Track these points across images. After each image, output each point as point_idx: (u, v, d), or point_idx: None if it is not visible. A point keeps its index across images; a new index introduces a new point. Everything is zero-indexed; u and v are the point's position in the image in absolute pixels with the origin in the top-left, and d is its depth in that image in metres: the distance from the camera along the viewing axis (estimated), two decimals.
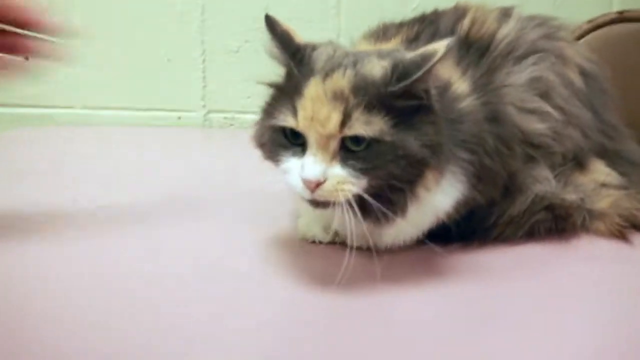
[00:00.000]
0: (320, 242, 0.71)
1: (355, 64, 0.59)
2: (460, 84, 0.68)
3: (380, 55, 0.61)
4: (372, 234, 0.66)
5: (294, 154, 0.59)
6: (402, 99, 0.57)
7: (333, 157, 0.57)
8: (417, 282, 0.63)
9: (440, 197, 0.64)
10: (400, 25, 0.80)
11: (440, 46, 0.56)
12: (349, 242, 0.68)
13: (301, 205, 0.70)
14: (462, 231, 0.69)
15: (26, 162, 1.05)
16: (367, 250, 0.68)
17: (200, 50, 1.27)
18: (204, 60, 1.28)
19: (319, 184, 0.56)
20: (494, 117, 0.67)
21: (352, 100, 0.56)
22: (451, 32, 0.75)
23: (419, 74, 0.56)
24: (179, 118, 1.31)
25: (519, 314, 0.58)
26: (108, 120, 1.30)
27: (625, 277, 0.67)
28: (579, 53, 0.80)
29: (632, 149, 0.84)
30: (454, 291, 0.61)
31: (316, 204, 0.59)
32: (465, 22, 0.75)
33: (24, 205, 0.81)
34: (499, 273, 0.66)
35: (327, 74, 0.58)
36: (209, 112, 1.30)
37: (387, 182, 0.57)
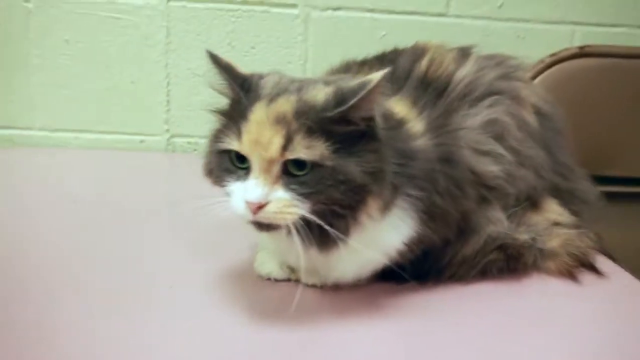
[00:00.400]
0: (276, 279, 0.73)
1: (299, 90, 0.61)
2: (416, 124, 0.70)
3: (327, 82, 0.63)
4: (324, 268, 0.67)
5: (239, 178, 0.61)
6: (341, 124, 0.59)
7: (276, 181, 0.59)
8: (364, 319, 0.65)
9: (390, 232, 0.66)
10: (362, 64, 0.83)
11: (376, 76, 0.58)
12: (302, 277, 0.70)
13: (258, 238, 0.72)
14: (416, 271, 0.72)
15: None
16: (321, 288, 0.70)
17: (164, 74, 1.27)
18: (168, 84, 1.27)
19: (261, 206, 0.58)
20: (447, 159, 0.69)
21: (294, 125, 0.58)
22: (408, 71, 0.77)
23: (354, 100, 0.58)
24: (142, 142, 1.30)
25: (462, 348, 0.61)
26: (68, 142, 1.29)
27: (570, 313, 0.70)
28: (534, 93, 0.83)
29: (585, 188, 0.87)
30: (399, 327, 0.64)
31: (260, 226, 0.61)
32: (424, 62, 0.78)
33: None
34: (448, 310, 0.69)
35: (272, 99, 0.60)
36: (172, 136, 1.30)
37: (329, 206, 0.59)
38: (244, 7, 1.25)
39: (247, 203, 0.58)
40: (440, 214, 0.68)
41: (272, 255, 0.73)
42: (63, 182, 1.09)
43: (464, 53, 0.82)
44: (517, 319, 0.68)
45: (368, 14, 1.26)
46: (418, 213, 0.66)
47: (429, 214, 0.67)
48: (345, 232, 0.61)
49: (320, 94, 0.60)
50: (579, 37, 1.30)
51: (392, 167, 0.62)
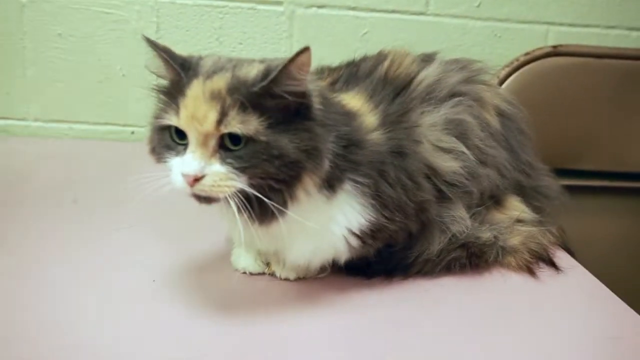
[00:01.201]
0: (251, 273, 0.75)
1: (235, 67, 0.62)
2: (369, 117, 0.71)
3: (262, 61, 0.64)
4: (279, 249, 0.70)
5: (178, 153, 0.61)
6: (272, 99, 0.60)
7: (212, 155, 0.59)
8: (334, 309, 0.68)
9: (338, 215, 0.68)
10: (333, 70, 0.84)
11: (296, 52, 0.59)
12: (276, 271, 0.73)
13: (235, 234, 0.74)
14: (384, 267, 0.74)
15: None
16: (294, 281, 0.73)
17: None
18: (158, 77, 1.28)
19: (197, 179, 0.59)
20: (399, 152, 0.71)
21: (229, 100, 0.59)
22: (369, 72, 0.79)
23: (274, 74, 0.58)
24: (133, 133, 1.32)
25: (425, 336, 0.64)
26: (62, 133, 1.30)
27: (525, 307, 0.73)
28: (497, 95, 0.85)
29: (548, 185, 0.89)
30: (367, 318, 0.67)
31: (199, 198, 0.62)
32: (385, 64, 0.79)
33: None
34: (414, 302, 0.71)
35: (208, 76, 0.61)
36: None
37: (266, 181, 0.60)
38: (232, 4, 1.26)
39: (184, 176, 0.59)
40: (393, 204, 0.69)
41: (247, 250, 0.76)
42: (56, 171, 1.10)
43: (427, 58, 0.84)
44: (477, 311, 0.70)
45: (351, 12, 1.27)
46: (367, 200, 0.68)
47: (380, 203, 0.68)
48: (283, 205, 0.61)
49: (253, 71, 0.61)
50: (553, 37, 1.31)
51: (335, 150, 0.64)
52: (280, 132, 0.60)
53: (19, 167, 1.11)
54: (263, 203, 0.60)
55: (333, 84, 0.78)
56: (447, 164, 0.75)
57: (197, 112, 0.59)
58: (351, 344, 0.62)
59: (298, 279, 0.74)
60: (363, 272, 0.74)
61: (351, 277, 0.74)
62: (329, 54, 1.30)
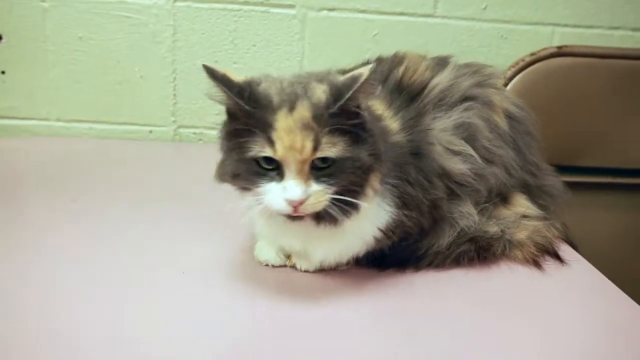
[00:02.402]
0: (273, 266, 0.79)
1: (306, 92, 0.67)
2: (391, 122, 0.77)
3: (318, 79, 0.69)
4: (312, 249, 0.75)
5: (272, 179, 0.66)
6: (344, 117, 0.65)
7: (309, 177, 0.65)
8: (351, 299, 0.72)
9: (373, 216, 0.73)
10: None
11: (365, 69, 0.65)
12: (296, 264, 0.77)
13: (260, 230, 0.78)
14: (397, 259, 0.78)
15: (7, 169, 1.10)
16: (313, 273, 0.77)
17: (171, 69, 1.32)
18: (174, 79, 1.33)
19: (302, 202, 0.64)
20: (417, 153, 0.77)
21: (317, 128, 0.64)
22: (386, 77, 0.83)
23: (350, 93, 0.64)
24: (151, 132, 1.36)
25: (437, 326, 0.68)
26: (83, 132, 1.35)
27: (532, 297, 0.77)
28: (506, 99, 0.89)
29: (553, 184, 0.93)
30: (382, 307, 0.72)
31: (293, 217, 0.68)
32: (400, 70, 0.84)
33: None
34: (425, 293, 0.75)
35: (291, 107, 0.65)
36: (179, 127, 1.36)
37: (348, 187, 0.67)
38: (246, 7, 1.30)
39: (289, 201, 0.65)
40: (411, 201, 0.75)
41: (269, 244, 0.80)
42: (78, 169, 1.15)
43: (441, 62, 0.88)
44: (485, 302, 0.74)
45: (360, 15, 1.31)
46: (394, 200, 0.74)
47: (402, 201, 0.74)
48: (358, 204, 0.68)
49: (322, 94, 0.66)
50: (558, 38, 1.35)
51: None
52: (357, 144, 0.67)
53: (43, 165, 1.16)
54: (339, 205, 0.67)
55: None
56: (457, 166, 0.80)
57: (294, 143, 0.64)
58: (370, 329, 0.67)
59: (317, 271, 0.78)
60: (377, 264, 0.78)
61: (366, 268, 0.79)
62: (340, 55, 1.36)
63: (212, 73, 0.67)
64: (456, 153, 0.80)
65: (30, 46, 1.30)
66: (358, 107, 0.67)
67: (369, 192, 0.70)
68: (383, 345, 0.64)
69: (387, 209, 0.74)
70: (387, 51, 0.93)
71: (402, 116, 0.79)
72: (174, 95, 1.34)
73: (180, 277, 0.76)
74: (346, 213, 0.68)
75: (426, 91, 0.82)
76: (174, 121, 1.36)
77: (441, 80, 0.83)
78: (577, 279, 0.82)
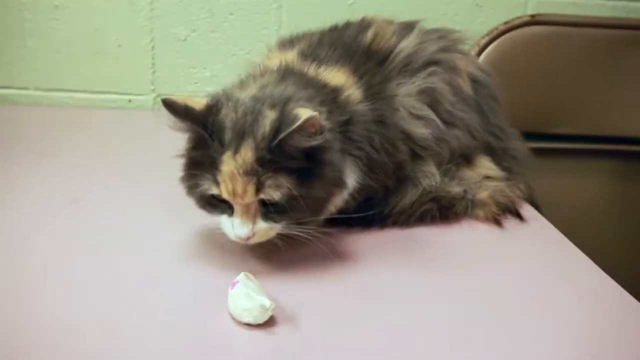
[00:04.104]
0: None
1: (253, 126, 0.66)
2: (354, 90, 0.79)
3: (272, 104, 0.68)
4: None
5: (223, 211, 0.69)
6: (288, 156, 0.66)
7: (255, 215, 0.67)
8: (319, 256, 0.75)
9: None
10: (311, 34, 0.91)
11: (305, 113, 0.64)
12: None
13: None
14: (362, 219, 0.81)
15: None
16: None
17: (149, 38, 1.34)
18: (152, 47, 1.35)
19: (249, 238, 0.68)
20: (381, 121, 0.80)
21: (261, 171, 0.65)
22: (352, 42, 0.86)
23: (283, 135, 0.64)
24: (130, 101, 1.38)
25: (400, 279, 0.72)
26: (61, 101, 1.37)
27: (491, 252, 0.81)
28: (471, 63, 0.92)
29: (517, 147, 0.97)
30: (349, 264, 0.75)
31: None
32: (368, 35, 0.87)
33: None
34: (390, 250, 0.79)
35: (236, 149, 0.65)
36: (158, 95, 1.38)
37: (303, 218, 0.69)
38: None
39: (237, 237, 0.68)
40: (377, 166, 0.79)
41: None
42: (57, 138, 1.17)
43: (407, 27, 0.91)
44: (446, 256, 0.79)
45: None
46: (360, 167, 0.77)
47: (368, 167, 0.78)
48: (318, 223, 0.71)
49: (267, 126, 0.66)
50: (532, 6, 1.37)
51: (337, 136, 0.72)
52: (308, 179, 0.67)
53: (22, 134, 1.19)
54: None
55: (310, 46, 0.85)
56: (419, 130, 0.84)
57: (236, 188, 0.65)
58: (335, 283, 0.70)
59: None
60: (344, 223, 0.82)
61: (333, 226, 0.82)
62: (318, 24, 1.37)
63: (173, 108, 0.67)
64: (419, 117, 0.84)
65: (7, 15, 1.31)
66: (302, 148, 0.66)
67: (331, 208, 0.74)
68: (346, 297, 0.68)
69: (353, 175, 0.77)
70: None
71: (367, 82, 0.81)
72: (153, 64, 1.36)
73: (149, 244, 0.78)
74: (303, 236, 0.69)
75: (392, 56, 0.85)
76: (153, 90, 1.38)
77: (406, 45, 0.86)
78: (536, 236, 0.87)
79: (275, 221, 0.68)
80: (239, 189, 0.65)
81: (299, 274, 0.71)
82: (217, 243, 0.75)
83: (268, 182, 0.65)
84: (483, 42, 1.32)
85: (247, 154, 0.65)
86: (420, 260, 0.77)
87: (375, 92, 0.80)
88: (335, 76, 0.79)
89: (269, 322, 0.59)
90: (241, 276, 0.62)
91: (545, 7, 1.37)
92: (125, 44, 1.34)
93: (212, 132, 0.67)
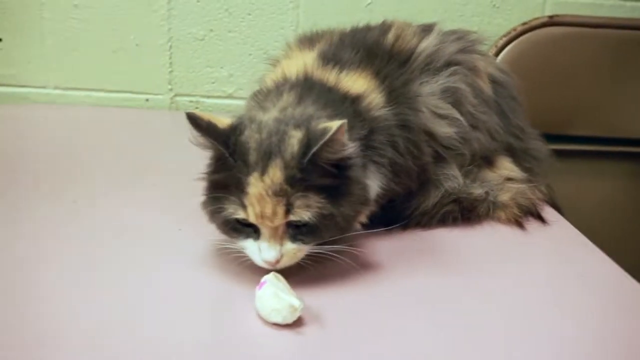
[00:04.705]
0: None
1: (279, 146, 0.65)
2: (376, 96, 0.78)
3: (296, 125, 0.67)
4: None
5: (248, 236, 0.67)
6: (318, 174, 0.64)
7: (282, 237, 0.65)
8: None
9: None
10: (331, 32, 0.91)
11: (334, 125, 0.63)
12: None
13: None
14: (385, 220, 0.82)
15: (4, 136, 1.14)
16: None
17: (166, 37, 1.35)
18: (170, 47, 1.35)
19: (277, 262, 0.66)
20: (404, 125, 0.79)
21: (290, 191, 0.63)
22: (376, 43, 0.86)
23: (315, 148, 0.63)
24: (147, 100, 1.39)
25: (422, 279, 0.72)
26: (80, 100, 1.38)
27: (513, 254, 0.81)
28: (490, 64, 0.92)
29: (538, 147, 0.97)
30: (372, 265, 0.75)
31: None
32: (390, 36, 0.86)
33: None
34: (411, 251, 0.79)
35: (263, 170, 0.64)
36: (175, 95, 1.39)
37: (331, 237, 0.68)
38: None
39: (264, 262, 0.66)
40: (402, 170, 0.79)
41: None
42: (75, 137, 1.18)
43: (426, 29, 0.90)
44: (468, 258, 0.79)
45: None
46: (384, 173, 0.77)
47: (393, 172, 0.78)
48: (342, 242, 0.69)
49: (295, 145, 0.64)
50: (549, 8, 1.37)
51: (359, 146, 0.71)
52: (338, 198, 0.66)
53: (40, 132, 1.20)
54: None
55: (332, 45, 0.85)
56: (443, 130, 0.84)
57: (265, 210, 0.63)
58: (360, 283, 0.70)
59: None
60: (366, 224, 0.82)
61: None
62: (334, 24, 1.37)
63: (196, 123, 0.66)
64: (443, 117, 0.84)
65: (27, 14, 1.32)
66: (333, 160, 0.65)
67: (357, 225, 0.73)
68: (371, 296, 0.68)
69: (377, 182, 0.76)
70: (380, 21, 0.95)
71: (389, 85, 0.80)
72: (170, 63, 1.37)
73: (172, 241, 0.78)
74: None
75: (413, 57, 0.85)
76: (171, 89, 1.39)
77: (427, 45, 0.86)
78: (558, 239, 0.87)
79: (303, 242, 0.66)
80: (268, 211, 0.63)
81: (324, 275, 0.71)
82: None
83: (298, 203, 0.64)
84: (501, 43, 1.32)
85: (275, 174, 0.64)
86: (442, 263, 0.78)
87: (398, 95, 0.80)
88: (356, 82, 0.78)
89: (297, 323, 0.60)
90: (270, 276, 0.63)
91: (563, 8, 1.37)
92: (143, 44, 1.35)
93: (234, 152, 0.65)
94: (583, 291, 0.73)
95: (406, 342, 0.60)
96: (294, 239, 0.66)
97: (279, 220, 0.64)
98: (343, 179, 0.67)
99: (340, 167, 0.67)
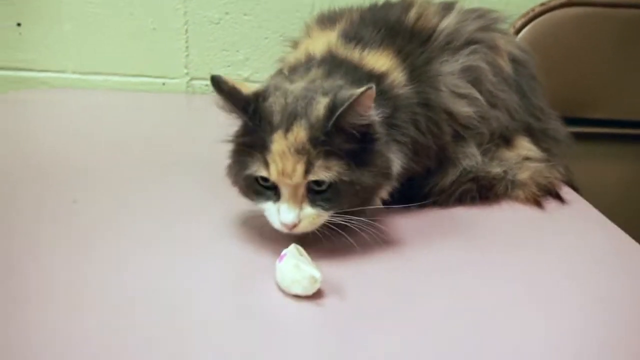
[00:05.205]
0: None
1: (306, 109, 0.66)
2: (398, 74, 0.78)
3: (325, 91, 0.68)
4: None
5: (268, 198, 0.68)
6: (341, 139, 0.65)
7: (302, 200, 0.66)
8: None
9: None
10: (349, 11, 0.90)
11: (359, 90, 0.63)
12: None
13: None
14: (403, 197, 0.82)
15: (19, 123, 1.15)
16: None
17: (183, 21, 1.36)
18: (186, 31, 1.36)
19: (295, 225, 0.66)
20: (426, 103, 0.79)
21: (312, 151, 0.64)
22: (397, 21, 0.85)
23: (340, 111, 0.63)
24: (164, 84, 1.41)
25: (440, 259, 0.72)
26: (98, 84, 1.40)
27: (532, 234, 0.81)
28: (510, 42, 0.92)
29: (556, 128, 0.97)
30: (391, 241, 0.75)
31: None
32: (411, 15, 0.86)
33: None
34: (430, 229, 0.79)
35: (287, 128, 0.65)
36: (191, 79, 1.40)
37: (351, 207, 0.68)
38: None
39: (284, 225, 0.66)
40: (422, 149, 0.79)
41: None
42: (93, 120, 1.20)
43: (447, 7, 0.90)
44: (487, 237, 0.79)
45: None
46: (405, 152, 0.77)
47: (413, 151, 0.78)
48: (362, 214, 0.69)
49: (321, 110, 0.65)
50: None
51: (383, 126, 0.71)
52: (358, 166, 0.66)
53: (59, 116, 1.22)
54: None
55: (353, 25, 0.85)
56: (463, 109, 0.83)
57: (286, 167, 0.64)
58: (376, 259, 0.70)
59: None
60: (384, 201, 0.82)
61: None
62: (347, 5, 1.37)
63: (219, 86, 0.67)
64: (462, 96, 0.83)
65: (45, 1, 1.34)
66: (358, 126, 0.65)
67: (377, 201, 0.72)
68: (390, 270, 0.69)
69: (398, 161, 0.76)
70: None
71: (411, 63, 0.80)
72: (187, 47, 1.38)
73: (198, 224, 0.78)
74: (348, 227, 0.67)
75: (434, 36, 0.84)
76: (187, 73, 1.40)
77: (448, 24, 0.86)
78: (577, 218, 0.86)
79: (323, 208, 0.66)
80: (289, 168, 0.64)
81: (344, 248, 0.71)
82: (260, 220, 0.76)
83: (318, 163, 0.64)
84: (519, 23, 1.31)
85: (299, 133, 0.64)
86: (461, 240, 0.77)
87: (419, 73, 0.80)
88: (379, 60, 0.78)
89: (317, 294, 0.60)
90: (291, 247, 0.63)
91: None
92: (160, 28, 1.37)
93: (254, 116, 0.66)
94: (601, 268, 0.72)
95: (423, 314, 0.61)
96: (314, 204, 0.66)
97: (298, 179, 0.64)
98: (367, 148, 0.67)
99: (366, 137, 0.67)
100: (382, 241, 0.73)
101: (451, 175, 0.84)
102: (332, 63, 0.77)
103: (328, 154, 0.64)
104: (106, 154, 1.02)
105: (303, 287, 0.59)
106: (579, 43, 1.34)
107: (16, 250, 0.68)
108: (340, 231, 0.68)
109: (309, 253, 0.65)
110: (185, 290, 0.63)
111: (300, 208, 0.66)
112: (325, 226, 0.68)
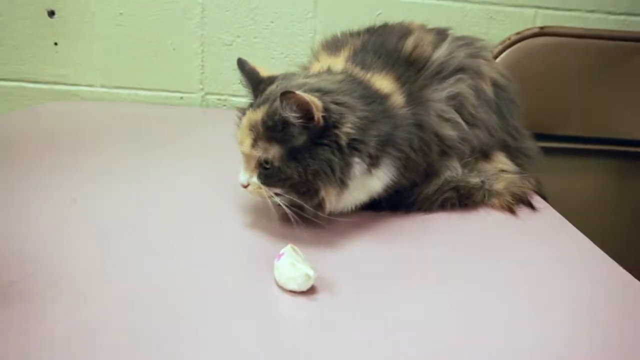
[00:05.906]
0: None
1: (275, 98, 0.67)
2: (398, 96, 0.77)
3: (300, 86, 0.69)
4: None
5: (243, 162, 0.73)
6: (277, 129, 0.67)
7: (253, 170, 0.70)
8: (353, 235, 0.74)
9: (376, 182, 0.76)
10: (351, 36, 0.89)
11: (303, 94, 0.64)
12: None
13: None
14: (390, 204, 0.81)
15: (55, 130, 1.14)
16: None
17: (199, 42, 1.34)
18: (202, 51, 1.35)
19: (245, 186, 0.71)
20: (420, 125, 0.78)
21: (260, 131, 0.68)
22: (395, 49, 0.84)
23: (274, 102, 0.67)
24: (181, 98, 1.39)
25: (422, 258, 0.70)
26: (123, 97, 1.38)
27: (506, 237, 0.79)
28: (494, 69, 0.90)
29: (530, 147, 0.95)
30: (378, 241, 0.74)
31: None
32: (409, 44, 0.84)
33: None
34: (414, 232, 0.78)
35: (257, 107, 0.70)
36: (206, 93, 1.39)
37: (290, 193, 0.69)
38: None
39: (239, 183, 0.72)
40: (412, 165, 0.78)
41: None
42: (118, 128, 1.18)
43: (441, 34, 0.89)
44: (465, 239, 0.77)
45: None
46: (397, 167, 0.75)
47: (404, 167, 0.76)
48: (316, 207, 0.70)
49: (277, 101, 0.66)
50: (540, 19, 1.35)
51: (379, 139, 0.71)
52: (292, 159, 0.67)
53: (89, 124, 1.20)
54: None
55: (356, 52, 0.84)
56: (448, 132, 0.82)
57: (242, 137, 0.70)
58: (367, 259, 0.70)
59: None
60: (374, 208, 0.81)
61: (363, 211, 0.81)
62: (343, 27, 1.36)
63: (242, 66, 0.75)
64: (447, 120, 0.82)
65: (78, 21, 1.33)
66: (300, 124, 0.65)
67: (325, 204, 0.69)
68: (377, 271, 0.67)
69: (389, 175, 0.75)
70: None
71: (408, 88, 0.79)
72: (202, 65, 1.37)
73: (204, 220, 0.78)
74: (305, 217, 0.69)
75: (427, 65, 0.83)
76: (202, 89, 1.39)
77: (440, 54, 0.85)
78: (545, 223, 0.85)
79: (262, 182, 0.69)
80: (241, 138, 0.70)
81: (336, 248, 0.70)
82: (260, 223, 0.75)
83: (261, 142, 0.68)
84: (497, 50, 1.30)
85: (259, 113, 0.68)
86: (443, 243, 0.76)
87: (414, 98, 0.79)
88: (383, 82, 0.78)
89: (311, 290, 0.59)
90: (287, 248, 0.62)
91: (552, 20, 1.35)
92: (179, 48, 1.35)
93: (258, 93, 0.72)
94: (564, 270, 0.71)
95: (409, 308, 0.59)
96: (259, 176, 0.70)
97: (246, 149, 0.69)
98: (312, 149, 0.67)
99: (312, 138, 0.67)
100: (371, 240, 0.73)
101: (434, 185, 0.82)
102: (349, 76, 0.77)
103: (271, 139, 0.67)
104: (128, 158, 1.00)
105: (298, 284, 0.58)
106: (550, 68, 1.33)
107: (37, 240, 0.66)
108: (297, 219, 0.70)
109: (305, 253, 0.64)
110: (189, 284, 0.61)
111: (250, 176, 0.71)
112: (281, 208, 0.70)
